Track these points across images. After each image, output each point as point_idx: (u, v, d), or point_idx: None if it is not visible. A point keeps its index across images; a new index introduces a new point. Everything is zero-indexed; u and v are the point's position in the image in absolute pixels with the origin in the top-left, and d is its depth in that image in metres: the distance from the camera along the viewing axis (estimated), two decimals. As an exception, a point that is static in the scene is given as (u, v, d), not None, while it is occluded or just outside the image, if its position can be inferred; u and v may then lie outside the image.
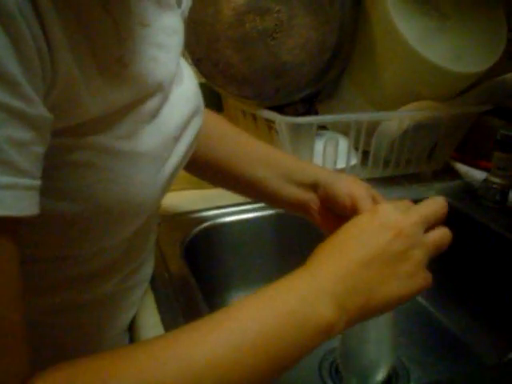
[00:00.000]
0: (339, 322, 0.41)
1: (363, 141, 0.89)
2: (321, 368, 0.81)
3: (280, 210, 0.88)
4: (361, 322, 0.47)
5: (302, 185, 0.65)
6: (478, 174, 0.93)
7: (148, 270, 0.62)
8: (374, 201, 0.59)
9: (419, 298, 0.95)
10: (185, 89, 0.55)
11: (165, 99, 0.49)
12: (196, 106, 0.56)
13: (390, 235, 0.45)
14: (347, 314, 0.42)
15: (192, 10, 0.87)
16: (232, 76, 0.86)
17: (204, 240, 0.83)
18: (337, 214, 0.60)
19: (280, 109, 0.88)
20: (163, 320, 0.61)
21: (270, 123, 0.91)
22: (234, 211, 0.87)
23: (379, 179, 0.95)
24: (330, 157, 0.88)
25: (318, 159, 0.88)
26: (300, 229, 0.92)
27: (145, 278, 0.61)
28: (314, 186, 0.64)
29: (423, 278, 0.47)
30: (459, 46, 0.85)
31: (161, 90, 0.48)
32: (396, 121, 0.89)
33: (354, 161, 0.92)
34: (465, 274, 0.90)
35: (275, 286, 0.42)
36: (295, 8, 0.80)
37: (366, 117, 0.87)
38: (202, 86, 1.27)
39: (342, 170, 0.91)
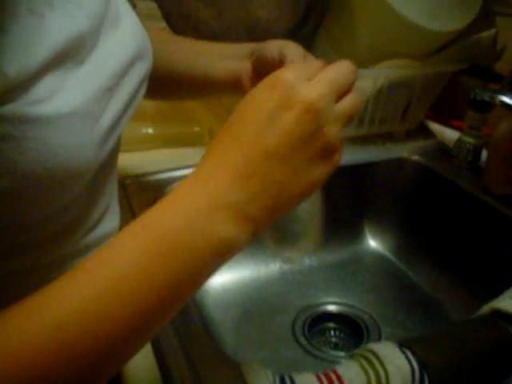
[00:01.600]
0: (241, 235, 0.36)
1: (337, 99, 0.87)
2: (294, 325, 0.82)
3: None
4: None
5: (234, 57, 0.62)
6: (451, 134, 0.93)
7: (113, 222, 0.59)
8: (305, 60, 0.54)
9: (392, 257, 0.96)
10: (121, 32, 0.48)
11: (92, 47, 0.43)
12: (137, 50, 0.49)
13: (295, 112, 0.37)
14: (252, 222, 0.36)
15: (162, -39, 0.84)
16: (203, 32, 0.84)
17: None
18: None
19: (253, 66, 0.86)
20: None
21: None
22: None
23: (353, 138, 0.95)
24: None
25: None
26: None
27: (110, 231, 0.60)
28: (247, 56, 0.61)
29: (338, 154, 0.40)
30: (435, 4, 0.84)
31: (84, 40, 0.41)
32: (370, 79, 0.88)
33: (328, 120, 0.91)
34: (436, 232, 0.91)
35: (160, 207, 0.37)
36: (269, -39, 0.78)
37: (340, 75, 0.86)
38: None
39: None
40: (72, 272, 0.34)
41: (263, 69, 0.56)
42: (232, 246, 0.36)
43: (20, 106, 0.34)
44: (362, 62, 0.90)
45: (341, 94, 0.40)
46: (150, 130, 0.92)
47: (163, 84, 0.68)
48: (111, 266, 0.34)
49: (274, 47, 0.56)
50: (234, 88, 0.61)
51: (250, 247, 0.90)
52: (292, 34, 0.83)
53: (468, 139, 0.78)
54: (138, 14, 1.37)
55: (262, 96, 0.38)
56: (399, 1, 0.80)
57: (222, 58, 0.63)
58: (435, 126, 0.98)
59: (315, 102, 0.37)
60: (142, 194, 0.79)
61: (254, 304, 0.86)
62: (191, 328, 0.55)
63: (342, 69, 0.42)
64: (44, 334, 0.31)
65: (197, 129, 0.95)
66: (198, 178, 0.37)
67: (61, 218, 0.46)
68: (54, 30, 0.38)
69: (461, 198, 0.85)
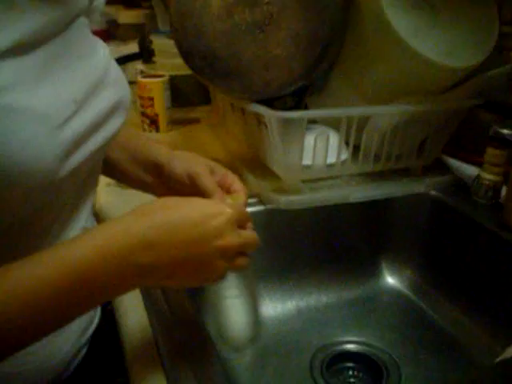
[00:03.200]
0: (133, 287, 0.47)
1: (354, 135, 0.87)
2: (312, 366, 0.80)
3: (269, 206, 0.87)
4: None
5: (145, 167, 0.67)
6: (469, 169, 0.93)
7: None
8: (214, 174, 0.63)
9: (411, 295, 0.95)
10: (97, 58, 0.55)
11: (56, 57, 0.47)
12: (104, 76, 0.55)
13: (216, 246, 0.47)
14: (145, 282, 0.47)
15: (179, 2, 0.85)
16: (220, 69, 0.84)
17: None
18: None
19: (269, 103, 0.86)
20: (150, 318, 0.61)
21: (259, 117, 0.89)
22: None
23: (370, 174, 0.94)
24: (321, 152, 0.87)
25: (308, 154, 0.86)
26: (288, 225, 0.91)
27: None
28: (155, 168, 0.66)
29: (215, 278, 0.51)
30: (451, 40, 0.84)
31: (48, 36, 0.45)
32: (387, 115, 0.88)
33: (344, 156, 0.90)
34: (456, 271, 0.90)
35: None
36: (285, 1, 0.78)
37: (356, 111, 0.86)
38: (191, 80, 1.26)
39: (332, 165, 0.89)
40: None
41: (171, 183, 0.65)
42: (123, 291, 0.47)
43: None
44: (378, 99, 0.90)
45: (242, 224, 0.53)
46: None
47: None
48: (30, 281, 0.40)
49: (179, 166, 0.63)
50: (149, 192, 0.71)
51: (264, 284, 0.90)
52: (308, 72, 0.84)
53: (487, 176, 0.77)
54: (154, 49, 1.39)
55: (208, 213, 0.49)
56: (414, 38, 0.81)
57: (136, 165, 0.69)
58: (452, 162, 0.97)
59: (230, 249, 0.49)
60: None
61: (270, 342, 0.85)
62: (208, 370, 0.54)
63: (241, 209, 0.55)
64: None
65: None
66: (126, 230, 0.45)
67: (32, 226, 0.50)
68: (21, 19, 0.41)
69: (480, 234, 0.84)
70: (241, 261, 0.51)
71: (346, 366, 0.83)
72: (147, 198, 0.88)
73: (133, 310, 0.64)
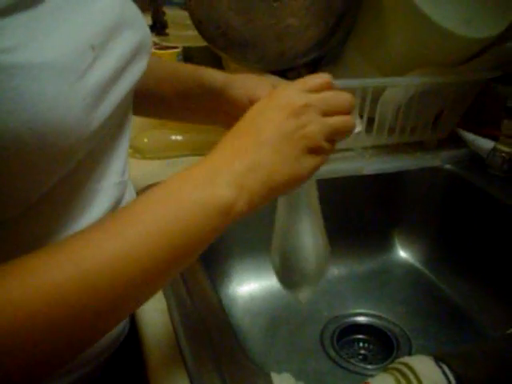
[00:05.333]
0: (239, 200, 0.42)
1: (368, 107, 0.86)
2: (322, 337, 0.81)
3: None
4: (291, 217, 0.54)
5: (198, 96, 0.65)
6: (484, 143, 0.91)
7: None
8: None
9: (423, 268, 0.94)
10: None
11: (67, 2, 0.43)
12: (121, 17, 0.51)
13: (283, 114, 0.46)
14: (248, 192, 0.43)
15: (193, -31, 0.84)
16: (234, 39, 0.84)
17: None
18: None
19: (283, 73, 0.86)
20: (164, 290, 0.61)
21: (272, 88, 0.88)
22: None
23: (384, 147, 0.94)
24: (334, 124, 0.86)
25: (321, 126, 0.86)
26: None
27: None
28: (210, 95, 0.63)
29: (321, 155, 0.47)
30: (469, 10, 0.82)
31: None
32: (402, 87, 0.87)
33: (358, 128, 0.89)
34: (468, 243, 0.89)
35: (178, 176, 0.43)
36: (300, -32, 0.77)
37: (371, 82, 0.85)
38: (204, 50, 1.25)
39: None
40: (97, 228, 0.39)
41: (234, 110, 0.61)
42: (230, 208, 0.42)
43: None
44: (393, 70, 0.89)
45: (329, 113, 0.47)
46: (179, 137, 0.92)
47: (156, 103, 0.71)
48: (133, 227, 0.39)
49: (241, 91, 0.60)
50: (213, 122, 0.69)
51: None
52: (323, 43, 0.83)
53: (504, 148, 0.76)
54: (167, 21, 1.37)
55: (263, 102, 0.48)
56: (432, 7, 0.79)
57: (201, 92, 0.65)
58: (468, 135, 0.96)
59: (302, 106, 0.46)
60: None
61: (281, 313, 0.85)
62: (223, 338, 0.55)
63: (338, 95, 0.49)
64: (74, 280, 0.35)
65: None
66: (207, 157, 0.44)
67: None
68: None
69: (495, 208, 0.83)
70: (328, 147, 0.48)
71: (356, 337, 0.83)
72: (168, 169, 0.88)
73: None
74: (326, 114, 0.47)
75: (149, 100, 0.70)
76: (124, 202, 0.58)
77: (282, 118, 0.45)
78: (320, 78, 0.50)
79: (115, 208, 0.55)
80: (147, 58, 0.56)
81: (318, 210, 0.58)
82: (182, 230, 0.40)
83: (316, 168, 0.47)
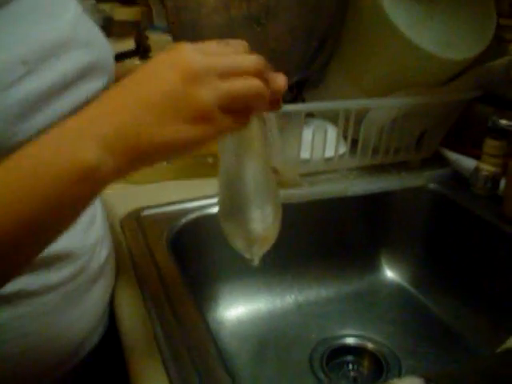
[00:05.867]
0: (104, 165, 0.38)
1: (352, 129, 0.87)
2: (312, 360, 0.80)
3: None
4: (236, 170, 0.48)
5: None
6: (467, 162, 0.92)
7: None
8: None
9: (410, 288, 0.94)
10: (62, 19, 0.51)
11: (7, 17, 0.45)
12: (70, 37, 0.51)
13: (176, 75, 0.40)
14: (115, 157, 0.39)
15: (176, -5, 0.85)
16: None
17: (191, 231, 0.82)
18: None
19: (267, 96, 0.86)
20: (150, 315, 0.60)
21: (256, 111, 0.89)
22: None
23: (368, 167, 0.94)
24: (319, 145, 0.86)
25: (306, 148, 0.86)
26: (287, 219, 0.90)
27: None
28: None
29: (212, 125, 0.41)
30: (449, 32, 0.84)
31: None
32: (385, 108, 0.88)
33: (342, 149, 0.90)
34: (455, 263, 0.90)
35: (48, 134, 0.39)
36: (282, -7, 0.78)
37: (354, 104, 0.85)
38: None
39: (330, 159, 0.89)
40: None
41: None
42: (93, 171, 0.38)
43: None
44: (376, 92, 0.90)
45: (229, 75, 0.41)
46: (164, 162, 0.92)
47: None
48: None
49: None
50: None
51: (263, 279, 0.89)
52: (306, 65, 0.84)
53: (486, 167, 0.77)
54: (150, 46, 1.38)
55: (159, 57, 0.42)
56: (413, 30, 0.80)
57: None
58: (451, 155, 0.97)
59: (194, 68, 0.40)
60: (155, 225, 0.79)
61: (270, 337, 0.85)
62: (208, 362, 0.54)
63: (243, 57, 0.43)
64: None
65: (210, 160, 0.95)
66: (82, 110, 0.40)
67: None
68: None
69: (479, 226, 0.84)
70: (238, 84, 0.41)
71: (346, 359, 0.82)
72: (156, 192, 0.88)
73: (131, 305, 0.64)
74: (226, 77, 0.41)
75: None
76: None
77: (173, 79, 0.40)
78: (235, 43, 0.46)
79: None
80: (104, 78, 0.56)
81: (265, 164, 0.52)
82: (39, 199, 0.37)
83: (204, 139, 0.42)
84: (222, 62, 0.42)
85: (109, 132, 0.39)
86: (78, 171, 0.37)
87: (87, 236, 0.59)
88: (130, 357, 0.56)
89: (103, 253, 0.64)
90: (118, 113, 0.40)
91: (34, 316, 0.53)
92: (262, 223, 0.53)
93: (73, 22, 0.53)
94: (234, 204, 0.52)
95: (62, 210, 0.39)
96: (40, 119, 0.46)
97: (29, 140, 0.42)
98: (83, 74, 0.52)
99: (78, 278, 0.57)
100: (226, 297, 0.88)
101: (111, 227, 0.76)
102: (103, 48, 0.57)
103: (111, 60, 0.59)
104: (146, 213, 0.82)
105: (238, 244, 0.55)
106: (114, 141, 0.39)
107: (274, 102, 0.47)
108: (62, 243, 0.53)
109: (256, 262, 0.56)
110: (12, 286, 0.50)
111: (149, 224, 0.79)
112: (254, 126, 0.48)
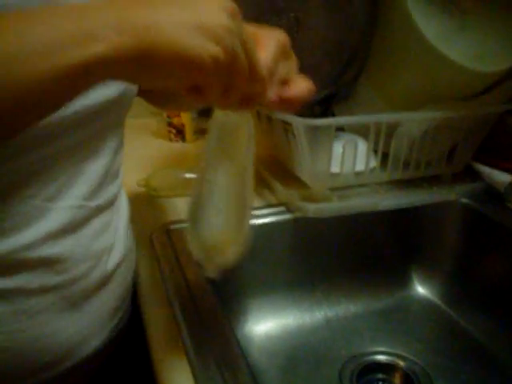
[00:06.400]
0: (106, 37, 0.35)
1: (382, 143, 0.86)
2: (341, 377, 0.79)
3: (296, 215, 0.86)
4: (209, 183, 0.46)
5: None
6: (500, 176, 0.91)
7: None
8: None
9: (442, 304, 0.93)
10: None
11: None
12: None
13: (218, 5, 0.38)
14: (122, 41, 0.35)
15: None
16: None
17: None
18: None
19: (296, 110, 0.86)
20: (180, 329, 0.60)
21: (285, 125, 0.89)
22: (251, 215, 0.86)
23: (399, 182, 0.93)
24: (349, 159, 0.86)
25: (336, 162, 0.86)
26: (316, 234, 0.90)
27: None
28: None
29: (227, 57, 0.38)
30: (480, 45, 0.83)
31: None
32: (416, 122, 0.87)
33: (373, 163, 0.89)
34: (488, 279, 0.88)
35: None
36: (312, 7, 0.78)
37: (385, 118, 0.85)
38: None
39: (360, 173, 0.89)
40: None
41: None
42: (92, 38, 0.35)
43: None
44: (406, 105, 0.89)
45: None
46: (193, 175, 0.92)
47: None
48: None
49: None
50: None
51: (292, 294, 0.89)
52: (335, 79, 0.83)
53: (521, 181, 0.76)
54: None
55: None
56: (443, 42, 0.80)
57: None
58: (483, 168, 0.95)
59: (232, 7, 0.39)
60: (185, 239, 0.79)
61: (299, 352, 0.84)
62: (238, 377, 0.54)
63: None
64: None
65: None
66: None
67: None
68: None
69: (513, 242, 0.82)
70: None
71: (376, 377, 0.81)
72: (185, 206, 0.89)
73: (161, 321, 0.64)
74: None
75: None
76: (97, 229, 0.59)
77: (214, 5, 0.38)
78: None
79: (68, 231, 0.55)
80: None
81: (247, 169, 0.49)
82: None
83: (215, 61, 0.37)
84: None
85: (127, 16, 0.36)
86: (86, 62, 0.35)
87: (94, 242, 0.59)
88: (160, 370, 0.56)
89: (111, 262, 0.63)
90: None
91: (30, 314, 0.53)
92: (220, 231, 0.49)
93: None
94: (197, 207, 0.49)
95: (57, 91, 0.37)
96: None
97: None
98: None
99: (79, 282, 0.57)
100: (255, 312, 0.88)
101: (139, 241, 0.76)
102: None
103: None
104: (175, 227, 0.82)
105: (195, 251, 0.52)
106: (128, 24, 0.36)
107: (291, 105, 0.47)
108: (66, 245, 0.54)
109: (210, 273, 0.52)
110: (12, 283, 0.50)
111: (178, 238, 0.79)
112: (242, 125, 0.47)
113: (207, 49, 0.37)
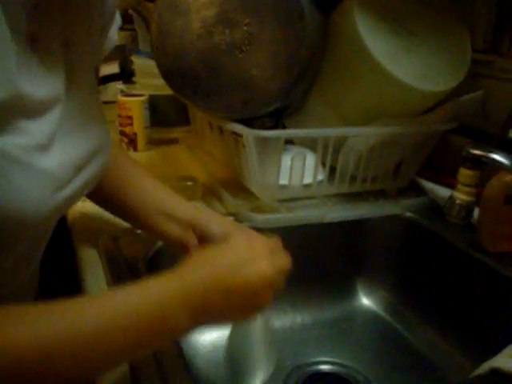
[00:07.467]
0: (189, 330, 0.49)
1: (330, 156, 0.89)
2: (286, 385, 0.79)
3: (245, 225, 0.86)
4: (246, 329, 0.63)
5: (180, 223, 0.67)
6: (443, 191, 0.94)
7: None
8: None
9: (386, 316, 0.95)
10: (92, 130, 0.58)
11: (69, 119, 0.50)
12: (100, 144, 0.58)
13: (258, 277, 0.52)
14: (196, 326, 0.49)
15: (160, 21, 0.86)
16: (200, 88, 0.85)
17: (167, 253, 0.81)
18: None
19: (247, 122, 0.87)
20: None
21: (236, 137, 0.90)
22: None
23: (346, 195, 0.95)
24: (297, 172, 0.87)
25: (284, 174, 0.87)
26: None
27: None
28: (191, 225, 0.67)
29: (262, 307, 0.56)
30: (426, 65, 0.86)
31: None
32: (363, 137, 0.89)
33: (320, 176, 0.91)
34: (429, 290, 0.91)
35: (144, 285, 0.47)
36: (265, 21, 0.80)
37: (333, 132, 0.87)
38: (170, 98, 1.27)
39: (308, 186, 0.90)
40: (81, 301, 0.45)
41: (207, 244, 0.65)
42: (181, 334, 0.52)
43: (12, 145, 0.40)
44: (355, 120, 0.91)
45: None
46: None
47: (113, 205, 0.74)
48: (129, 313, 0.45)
49: (218, 229, 0.65)
50: (179, 248, 0.68)
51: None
52: (286, 93, 0.85)
53: (460, 196, 0.78)
54: (135, 70, 1.39)
55: (245, 250, 0.54)
56: (390, 61, 0.82)
57: (169, 220, 0.68)
58: (427, 184, 0.98)
59: (272, 276, 0.53)
60: (133, 247, 0.78)
61: (245, 362, 0.84)
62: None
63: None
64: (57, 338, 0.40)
65: (190, 183, 0.96)
66: (179, 276, 0.49)
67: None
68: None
69: (454, 255, 0.85)
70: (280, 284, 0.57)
71: (320, 386, 0.82)
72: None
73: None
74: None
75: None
76: None
77: (256, 278, 0.52)
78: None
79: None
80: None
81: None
82: (135, 337, 0.45)
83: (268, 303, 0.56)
84: (283, 267, 0.58)
85: (201, 306, 0.48)
86: (174, 331, 0.48)
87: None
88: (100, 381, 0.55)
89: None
90: (212, 292, 0.49)
91: None
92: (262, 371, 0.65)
93: (106, 131, 0.61)
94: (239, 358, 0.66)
95: (144, 350, 0.49)
96: (60, 213, 0.52)
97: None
98: (100, 174, 0.59)
99: None
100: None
101: (87, 248, 0.75)
102: (109, 149, 0.62)
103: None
104: (123, 234, 0.81)
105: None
106: (202, 316, 0.49)
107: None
108: None
109: None
110: None
111: (126, 246, 0.78)
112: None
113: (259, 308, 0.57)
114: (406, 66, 0.84)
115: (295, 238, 0.91)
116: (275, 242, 0.59)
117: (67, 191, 0.48)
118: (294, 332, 0.91)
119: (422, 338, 0.88)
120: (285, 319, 0.93)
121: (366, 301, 0.98)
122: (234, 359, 0.66)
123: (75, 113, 0.51)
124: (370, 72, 0.84)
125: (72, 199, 0.52)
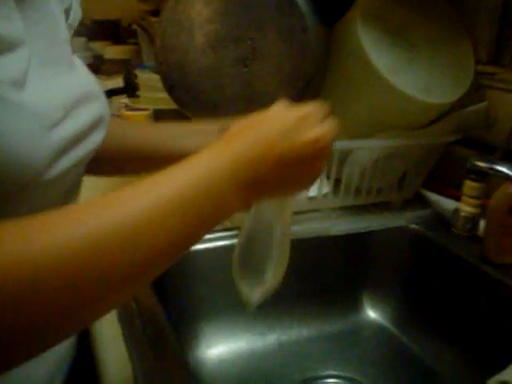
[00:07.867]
0: (238, 209, 0.46)
1: (335, 169, 0.89)
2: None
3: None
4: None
5: (205, 133, 0.68)
6: (448, 203, 0.94)
7: None
8: None
9: (392, 328, 0.94)
10: (82, 73, 0.56)
11: (48, 59, 0.49)
12: (89, 89, 0.56)
13: (311, 138, 0.48)
14: (246, 204, 0.47)
15: (164, 36, 0.87)
16: (204, 103, 0.86)
17: (174, 269, 0.81)
18: None
19: (252, 136, 0.87)
20: (130, 353, 0.59)
21: (241, 150, 0.90)
22: (204, 239, 0.86)
23: (350, 208, 0.95)
24: (302, 185, 0.87)
25: (289, 187, 0.87)
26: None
27: None
28: (215, 132, 0.66)
29: (314, 178, 0.52)
30: (429, 77, 0.87)
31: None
32: (367, 149, 0.90)
33: (325, 189, 0.91)
34: (436, 302, 0.90)
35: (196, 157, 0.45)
36: (268, 36, 0.80)
37: (338, 145, 0.87)
38: (174, 112, 1.27)
39: (313, 198, 0.90)
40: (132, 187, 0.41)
41: None
42: (232, 212, 0.46)
43: None
44: (359, 133, 0.92)
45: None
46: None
47: (133, 160, 0.73)
48: (165, 187, 0.41)
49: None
50: None
51: (245, 318, 0.89)
52: (290, 106, 0.85)
53: (466, 208, 0.79)
54: (138, 84, 1.40)
55: (292, 114, 0.49)
56: (394, 74, 0.83)
57: (193, 135, 0.68)
58: (432, 196, 0.98)
59: (324, 142, 0.49)
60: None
61: (251, 376, 0.84)
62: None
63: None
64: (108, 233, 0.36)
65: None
66: (230, 147, 0.46)
67: None
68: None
69: (460, 267, 0.85)
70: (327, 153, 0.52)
71: (327, 400, 0.82)
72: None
73: (111, 343, 0.63)
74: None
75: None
76: None
77: (307, 142, 0.48)
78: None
79: None
80: (104, 132, 0.59)
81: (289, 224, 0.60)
82: (194, 209, 0.41)
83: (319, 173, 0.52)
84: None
85: (253, 179, 0.45)
86: (223, 215, 0.45)
87: None
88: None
89: None
90: (261, 161, 0.46)
91: None
92: (273, 278, 0.60)
93: (91, 76, 0.58)
94: (252, 259, 0.59)
95: (210, 224, 0.45)
96: (67, 161, 0.48)
97: (53, 181, 0.46)
98: (96, 125, 0.56)
99: None
100: (207, 336, 0.87)
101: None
102: (106, 104, 0.60)
103: (109, 115, 0.61)
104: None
105: (246, 290, 0.61)
106: (252, 191, 0.46)
107: None
108: None
109: (253, 308, 0.60)
110: None
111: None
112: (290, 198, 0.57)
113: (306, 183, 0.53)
114: (409, 78, 0.85)
115: (301, 251, 0.90)
116: (317, 109, 0.53)
117: (61, 132, 0.46)
118: (300, 345, 0.91)
119: (427, 351, 0.88)
120: (291, 333, 0.92)
121: (371, 314, 0.98)
122: (249, 249, 0.59)
123: (45, 58, 0.49)
124: (374, 84, 0.85)
125: (70, 148, 0.49)
